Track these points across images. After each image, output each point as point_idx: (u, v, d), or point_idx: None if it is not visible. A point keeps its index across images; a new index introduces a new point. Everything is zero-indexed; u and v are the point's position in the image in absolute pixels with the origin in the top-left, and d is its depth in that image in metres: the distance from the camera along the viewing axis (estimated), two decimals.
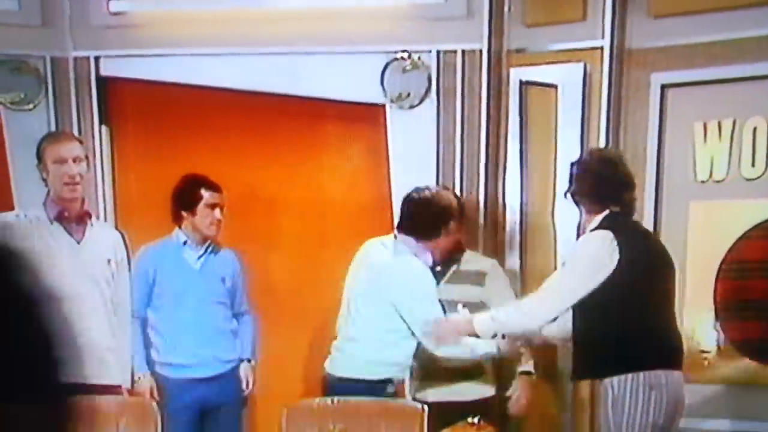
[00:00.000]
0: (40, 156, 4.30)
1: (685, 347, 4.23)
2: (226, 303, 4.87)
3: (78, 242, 4.31)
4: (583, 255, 4.18)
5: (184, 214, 4.82)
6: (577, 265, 4.17)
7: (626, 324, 4.05)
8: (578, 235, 4.56)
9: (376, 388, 4.37)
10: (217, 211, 4.80)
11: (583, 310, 4.11)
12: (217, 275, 4.85)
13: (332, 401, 4.18)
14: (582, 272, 4.10)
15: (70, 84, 5.32)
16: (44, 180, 4.32)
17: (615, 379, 4.02)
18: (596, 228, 4.16)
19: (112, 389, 4.27)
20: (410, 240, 4.50)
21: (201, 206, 4.77)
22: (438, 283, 4.63)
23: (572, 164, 4.40)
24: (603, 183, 4.21)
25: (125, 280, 4.46)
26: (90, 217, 4.39)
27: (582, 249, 4.21)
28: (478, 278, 4.66)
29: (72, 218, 4.30)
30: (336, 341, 4.60)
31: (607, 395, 4.05)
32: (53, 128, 5.27)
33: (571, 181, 4.31)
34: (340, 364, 4.49)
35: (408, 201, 4.58)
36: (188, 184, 4.85)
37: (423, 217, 4.52)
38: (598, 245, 4.10)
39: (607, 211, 4.17)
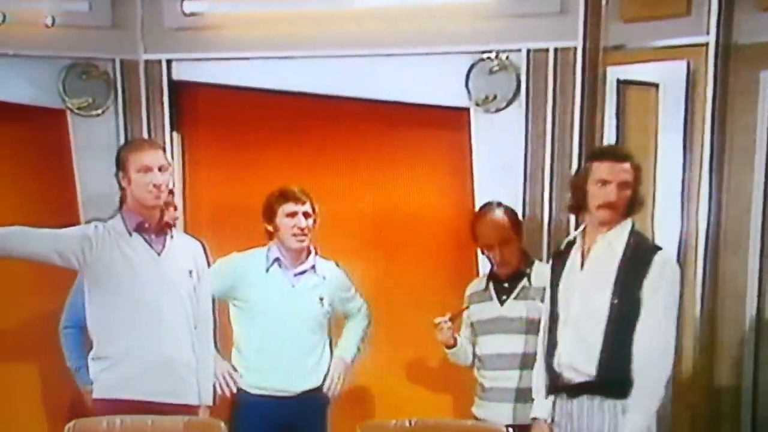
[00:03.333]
0: (120, 164, 4.24)
1: None
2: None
3: (158, 254, 4.25)
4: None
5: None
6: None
7: None
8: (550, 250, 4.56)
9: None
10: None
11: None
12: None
13: (410, 422, 4.04)
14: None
15: (141, 89, 5.29)
16: (122, 189, 4.28)
17: None
18: (634, 239, 4.09)
19: (188, 409, 4.18)
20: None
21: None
22: (505, 300, 4.58)
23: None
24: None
25: (206, 293, 4.39)
26: (170, 228, 4.33)
27: (673, 278, 4.11)
28: (544, 294, 4.49)
29: (152, 229, 4.25)
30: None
31: None
32: (122, 135, 5.26)
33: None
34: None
35: None
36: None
37: None
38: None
39: (630, 222, 4.13)
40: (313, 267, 4.63)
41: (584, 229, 4.20)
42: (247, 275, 4.57)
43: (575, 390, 4.06)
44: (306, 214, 4.58)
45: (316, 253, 4.68)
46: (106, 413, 3.91)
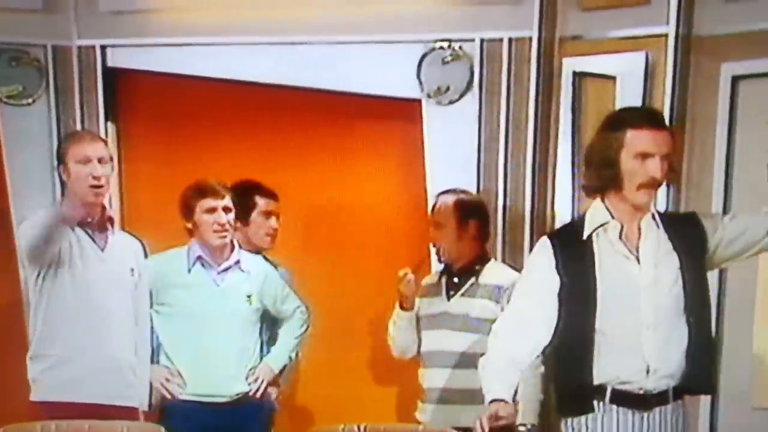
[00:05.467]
0: (61, 157, 4.21)
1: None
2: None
3: (102, 250, 4.19)
4: None
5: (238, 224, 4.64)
6: None
7: None
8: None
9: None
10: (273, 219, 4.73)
11: None
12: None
13: (359, 428, 3.86)
14: None
15: (74, 76, 5.20)
16: (63, 183, 4.26)
17: None
18: (666, 215, 3.64)
19: (129, 412, 4.12)
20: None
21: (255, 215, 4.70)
22: (452, 295, 4.51)
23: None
24: None
25: (146, 292, 4.35)
26: (112, 223, 4.28)
27: None
28: (496, 293, 4.45)
29: (95, 224, 4.19)
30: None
31: None
32: (54, 126, 5.15)
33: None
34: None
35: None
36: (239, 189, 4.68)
37: None
38: None
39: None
40: (238, 262, 4.53)
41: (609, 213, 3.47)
42: (168, 277, 4.48)
43: (654, 400, 3.40)
44: (226, 209, 4.48)
45: (240, 247, 4.57)
46: (46, 417, 3.80)
